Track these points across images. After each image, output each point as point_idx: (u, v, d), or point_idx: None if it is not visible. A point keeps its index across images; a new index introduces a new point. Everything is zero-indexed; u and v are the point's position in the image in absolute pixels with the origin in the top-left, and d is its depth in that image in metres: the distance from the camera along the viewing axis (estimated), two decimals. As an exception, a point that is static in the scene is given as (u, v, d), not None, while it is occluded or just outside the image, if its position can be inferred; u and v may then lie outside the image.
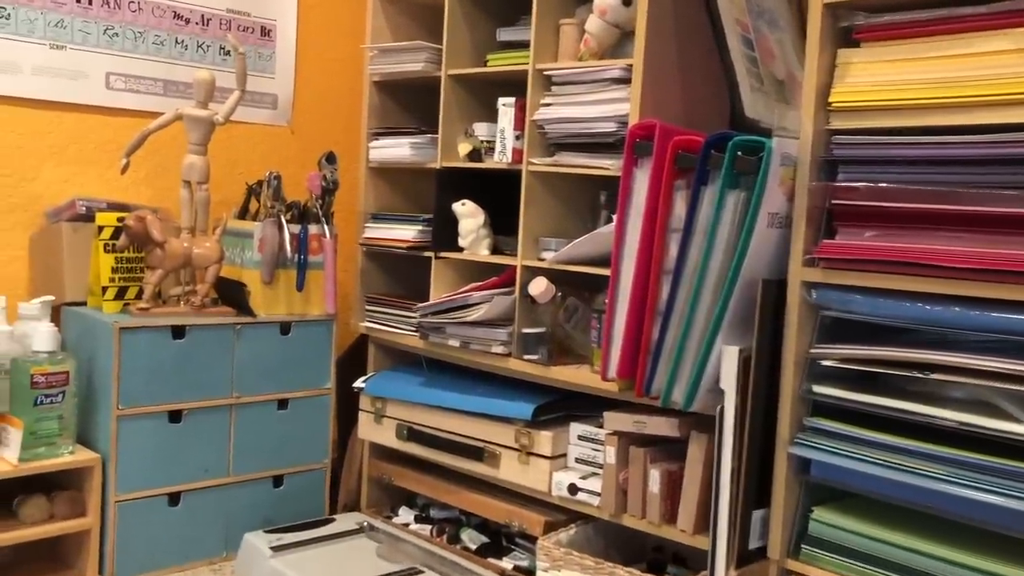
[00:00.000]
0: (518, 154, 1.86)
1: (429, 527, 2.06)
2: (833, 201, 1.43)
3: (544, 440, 1.81)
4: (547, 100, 1.81)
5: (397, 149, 2.08)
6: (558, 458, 1.82)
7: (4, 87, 1.97)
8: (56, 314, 1.94)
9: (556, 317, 1.80)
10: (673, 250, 1.55)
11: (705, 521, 1.62)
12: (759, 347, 1.44)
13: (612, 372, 1.61)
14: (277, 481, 2.07)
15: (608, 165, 1.70)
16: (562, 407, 1.88)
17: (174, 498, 1.91)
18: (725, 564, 1.47)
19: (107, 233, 1.92)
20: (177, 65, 2.21)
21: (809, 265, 1.44)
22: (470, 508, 1.98)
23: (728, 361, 1.46)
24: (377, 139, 2.15)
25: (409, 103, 2.26)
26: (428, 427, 2.00)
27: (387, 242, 2.11)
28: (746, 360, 1.45)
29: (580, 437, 1.82)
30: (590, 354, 1.77)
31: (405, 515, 2.14)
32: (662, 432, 1.65)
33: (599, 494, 1.74)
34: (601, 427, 1.80)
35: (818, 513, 1.47)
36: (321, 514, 2.14)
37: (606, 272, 1.70)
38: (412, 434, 2.03)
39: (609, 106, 1.69)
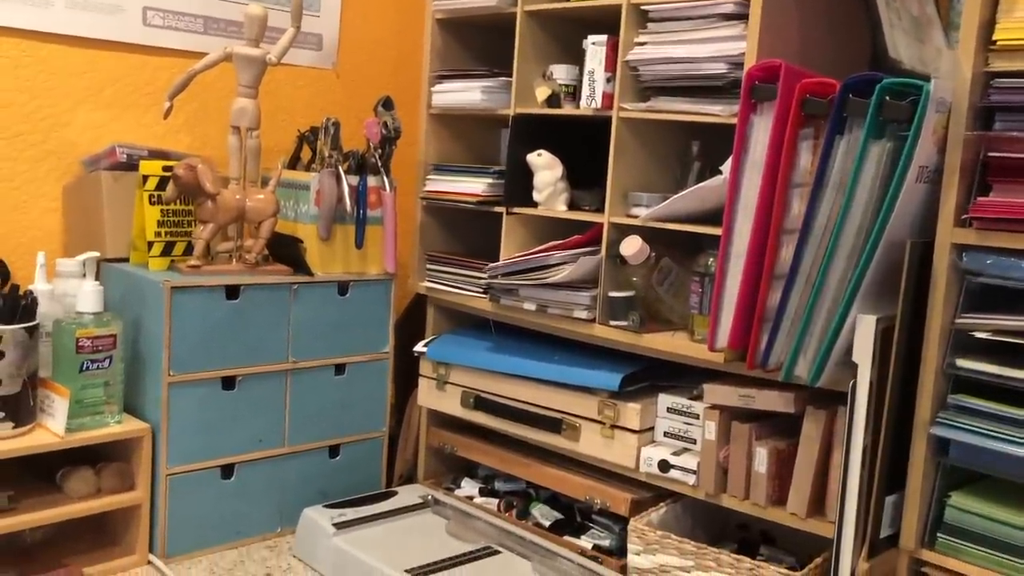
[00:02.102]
0: (608, 99, 1.68)
1: (495, 501, 1.93)
2: (989, 153, 1.27)
3: (631, 413, 1.67)
4: (642, 39, 1.63)
5: (467, 94, 1.89)
6: (646, 432, 1.68)
7: (35, 22, 1.79)
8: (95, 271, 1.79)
9: (649, 280, 1.65)
10: (796, 207, 1.39)
11: (819, 505, 1.49)
12: (903, 316, 1.29)
13: (722, 342, 1.46)
14: (333, 451, 1.93)
15: (717, 111, 1.53)
16: (647, 376, 1.74)
17: (227, 470, 1.77)
18: (853, 553, 1.34)
19: (152, 183, 1.75)
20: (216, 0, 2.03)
21: (962, 226, 1.28)
22: (543, 482, 1.85)
23: (864, 332, 1.31)
24: (441, 83, 1.97)
25: (473, 44, 2.07)
26: (498, 396, 1.86)
27: (453, 196, 1.94)
28: (885, 331, 1.31)
29: (669, 409, 1.68)
30: (688, 321, 1.62)
31: (468, 487, 2.00)
32: (774, 407, 1.50)
33: (694, 472, 1.60)
34: (692, 398, 1.66)
35: (955, 499, 1.34)
36: (378, 486, 2.01)
37: (708, 231, 1.55)
38: (480, 403, 1.89)
39: (719, 45, 1.51)
